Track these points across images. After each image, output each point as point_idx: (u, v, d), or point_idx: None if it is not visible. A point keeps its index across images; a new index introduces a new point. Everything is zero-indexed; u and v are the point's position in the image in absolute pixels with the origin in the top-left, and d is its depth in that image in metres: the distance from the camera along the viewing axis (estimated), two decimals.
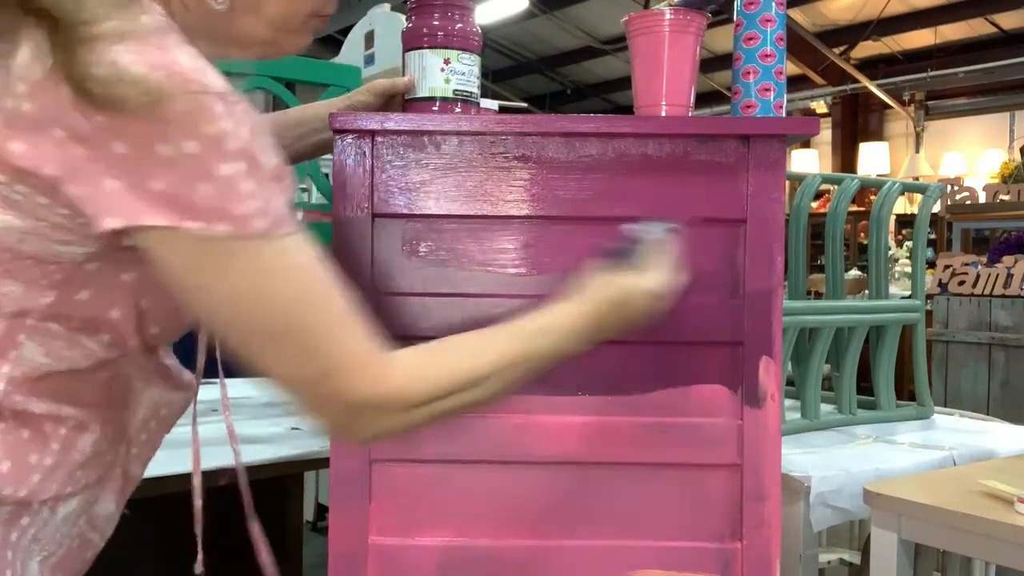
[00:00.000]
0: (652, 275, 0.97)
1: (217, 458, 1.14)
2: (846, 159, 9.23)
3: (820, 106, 9.30)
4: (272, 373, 0.78)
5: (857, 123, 9.49)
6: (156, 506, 1.12)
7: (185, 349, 0.99)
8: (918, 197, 2.02)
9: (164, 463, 1.03)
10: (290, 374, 0.77)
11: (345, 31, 3.75)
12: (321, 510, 3.65)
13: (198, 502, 1.02)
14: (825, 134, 9.37)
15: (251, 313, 0.75)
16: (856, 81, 8.66)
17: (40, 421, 0.79)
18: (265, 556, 1.04)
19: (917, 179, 7.97)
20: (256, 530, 1.04)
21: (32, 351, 0.77)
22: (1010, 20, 7.73)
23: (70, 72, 0.67)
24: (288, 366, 0.77)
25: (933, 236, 6.18)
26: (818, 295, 2.71)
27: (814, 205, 4.50)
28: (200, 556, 1.01)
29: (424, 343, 0.85)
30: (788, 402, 1.83)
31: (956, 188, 5.31)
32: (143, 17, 0.72)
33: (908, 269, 4.25)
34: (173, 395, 0.94)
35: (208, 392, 1.14)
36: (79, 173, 0.69)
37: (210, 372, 1.00)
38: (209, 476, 1.22)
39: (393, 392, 0.79)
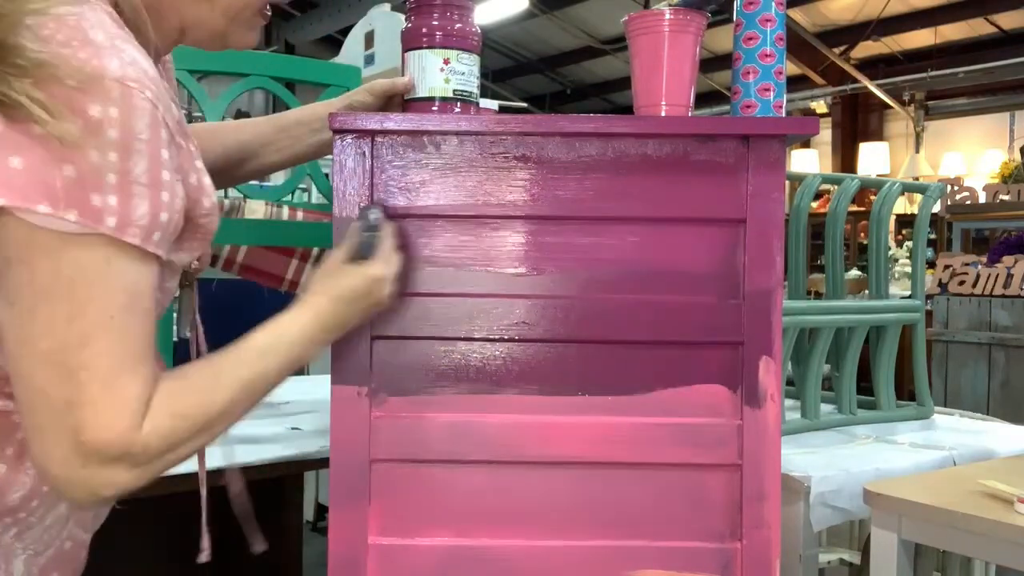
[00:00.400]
0: (376, 262, 0.97)
1: (217, 458, 1.14)
2: (846, 159, 9.24)
3: (820, 106, 9.31)
4: (23, 386, 0.72)
5: (857, 123, 9.50)
6: (155, 505, 1.12)
7: (186, 349, 0.99)
8: (918, 197, 2.02)
9: None
10: (43, 395, 0.71)
11: (345, 31, 3.75)
12: (321, 510, 3.66)
13: (203, 490, 1.01)
14: (825, 134, 9.38)
15: (56, 309, 0.70)
16: (856, 81, 8.66)
17: (7, 413, 0.77)
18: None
19: (917, 179, 7.97)
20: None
21: None
22: (1010, 20, 7.73)
23: None
24: (46, 385, 0.71)
25: (933, 236, 6.18)
26: (818, 295, 2.71)
27: (814, 205, 4.50)
28: (206, 544, 1.01)
29: (162, 383, 0.78)
30: (788, 402, 1.83)
31: (956, 188, 5.31)
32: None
33: (908, 269, 4.25)
34: None
35: None
36: None
37: None
38: (208, 476, 1.22)
39: (134, 447, 0.73)
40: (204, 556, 0.99)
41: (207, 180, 0.87)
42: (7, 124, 0.67)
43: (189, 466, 1.19)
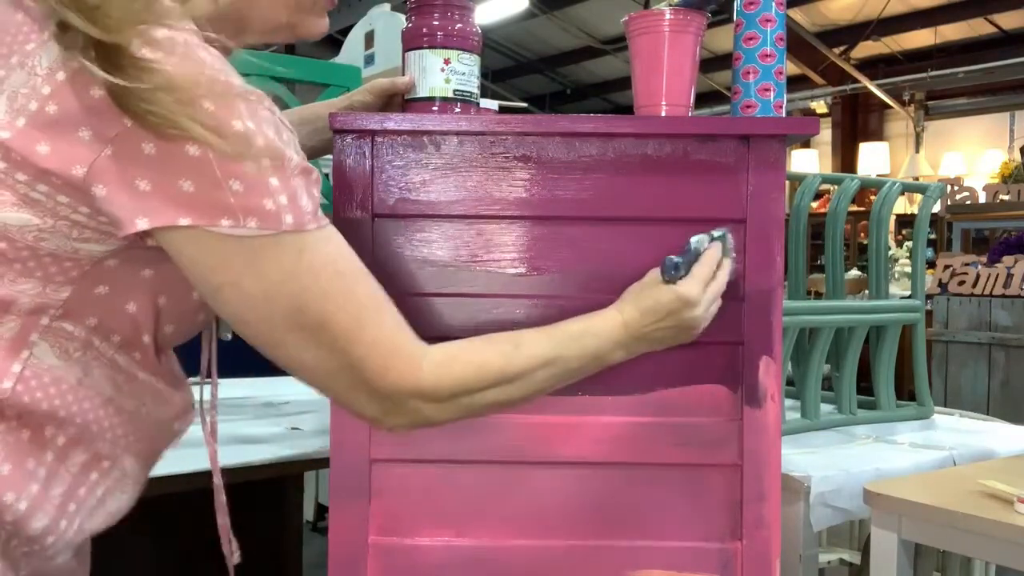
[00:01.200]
0: (700, 289, 0.98)
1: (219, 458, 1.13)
2: (846, 159, 9.24)
3: (820, 106, 9.31)
4: (302, 366, 0.79)
5: (857, 123, 9.50)
6: (154, 505, 1.12)
7: (187, 351, 0.98)
8: (918, 197, 2.02)
9: (164, 464, 1.02)
10: (321, 366, 0.78)
11: (345, 31, 3.75)
12: (321, 510, 3.65)
13: (222, 497, 1.02)
14: (825, 134, 9.38)
15: (282, 308, 0.76)
16: (856, 81, 8.66)
17: (41, 425, 0.78)
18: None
19: (917, 179, 7.97)
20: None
21: (45, 351, 0.77)
22: (1010, 20, 7.73)
23: (105, 80, 0.68)
24: (319, 358, 0.78)
25: (933, 236, 6.18)
26: (818, 295, 2.71)
27: (814, 205, 4.51)
28: (234, 547, 1.01)
29: (460, 340, 0.87)
30: (788, 402, 1.83)
31: (956, 188, 5.31)
32: (166, 21, 0.72)
33: (908, 269, 4.25)
34: (180, 409, 0.93)
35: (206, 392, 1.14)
36: (107, 174, 0.70)
37: (192, 371, 1.00)
38: (208, 476, 1.22)
39: (423, 384, 0.81)
40: (235, 559, 1.01)
41: None
42: (159, 143, 0.69)
43: (191, 466, 1.19)
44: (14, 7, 0.73)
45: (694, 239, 1.02)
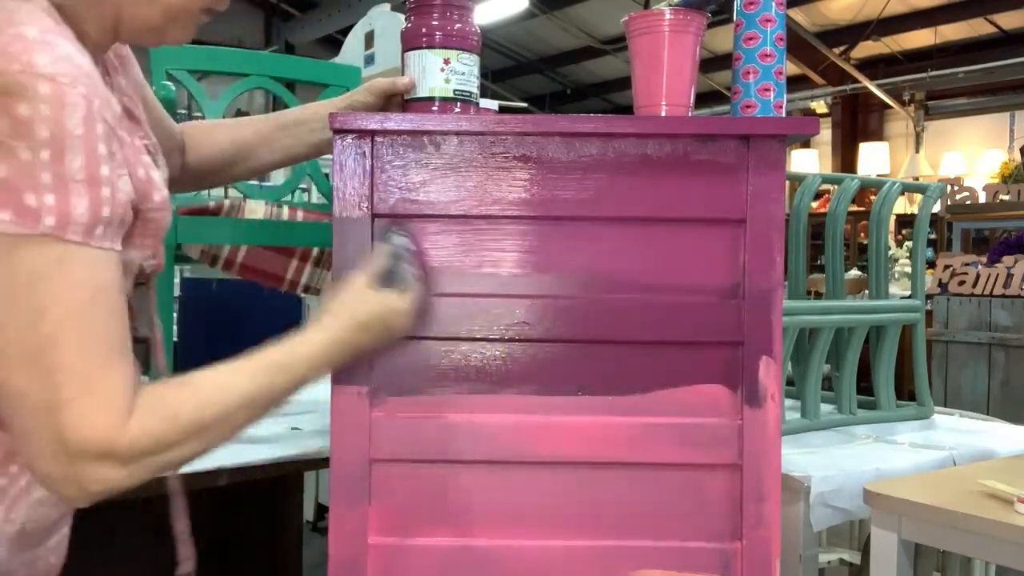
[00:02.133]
0: (401, 292, 0.97)
1: (217, 458, 1.14)
2: (846, 159, 9.24)
3: (820, 106, 9.31)
4: (8, 387, 0.71)
5: (857, 123, 9.50)
6: (153, 506, 1.12)
7: (187, 353, 0.98)
8: (918, 197, 2.02)
9: None
10: (27, 395, 0.71)
11: (345, 31, 3.75)
12: (321, 510, 3.66)
13: (181, 502, 1.00)
14: (825, 134, 9.37)
15: (17, 314, 0.69)
16: (856, 81, 8.66)
17: None
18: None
19: (917, 179, 7.97)
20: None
21: None
22: (1010, 20, 7.73)
23: None
24: (29, 385, 0.71)
25: (933, 236, 6.18)
26: (818, 295, 2.71)
27: (814, 205, 4.50)
28: (186, 556, 0.99)
29: (157, 386, 0.80)
30: (788, 402, 1.83)
31: (956, 188, 5.31)
32: None
33: (908, 269, 4.24)
34: None
35: None
36: None
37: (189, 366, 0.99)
38: (209, 476, 1.22)
39: (119, 446, 0.73)
40: (187, 568, 0.98)
41: (156, 174, 0.86)
42: None
43: (189, 466, 1.19)
44: None
45: (397, 240, 1.01)
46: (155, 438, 0.76)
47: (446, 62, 1.13)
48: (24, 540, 0.85)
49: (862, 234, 6.90)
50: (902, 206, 8.03)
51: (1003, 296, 3.90)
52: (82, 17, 0.80)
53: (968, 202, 5.21)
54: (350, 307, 0.95)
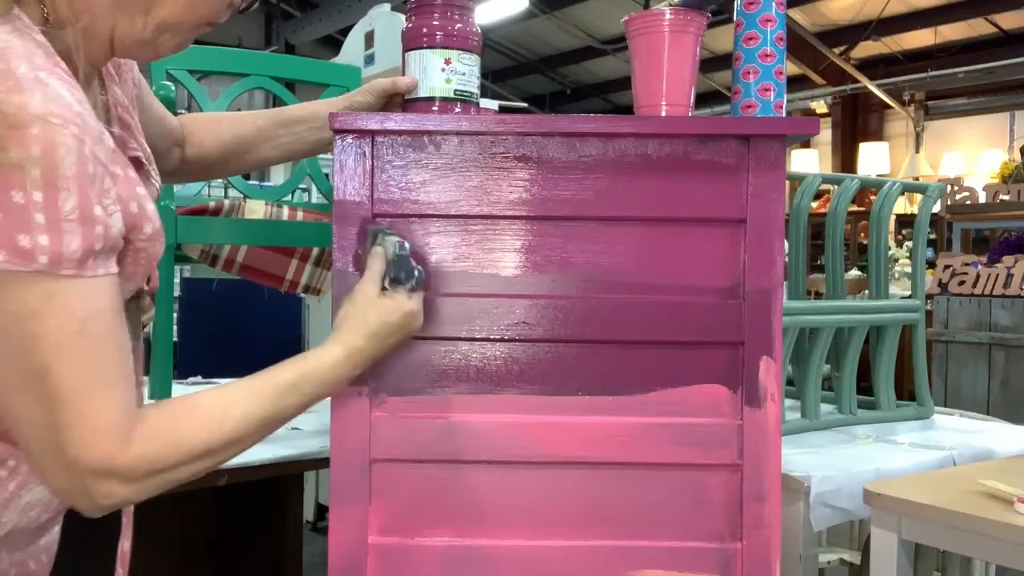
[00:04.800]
0: (409, 291, 0.97)
1: None
2: (846, 159, 9.23)
3: (820, 106, 9.30)
4: (13, 414, 0.75)
5: (857, 123, 9.49)
6: (153, 505, 1.12)
7: (187, 352, 0.98)
8: (918, 197, 2.02)
9: None
10: (24, 417, 0.74)
11: (345, 31, 3.75)
12: (321, 510, 3.66)
13: (125, 518, 1.01)
14: (825, 134, 9.37)
15: (12, 345, 0.71)
16: (856, 81, 8.66)
17: None
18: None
19: (917, 179, 7.96)
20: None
21: None
22: (1010, 20, 7.73)
23: None
24: (30, 411, 0.73)
25: (933, 236, 6.18)
26: (818, 295, 2.71)
27: (814, 205, 4.50)
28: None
29: (169, 404, 0.82)
30: (788, 402, 1.83)
31: (956, 188, 5.31)
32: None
33: (908, 269, 4.24)
34: None
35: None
36: None
37: (192, 372, 0.99)
38: (208, 476, 1.22)
39: (121, 466, 0.75)
40: None
41: (150, 206, 0.86)
42: None
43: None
44: None
45: (391, 241, 1.00)
46: (154, 463, 0.78)
47: (447, 62, 1.13)
48: (14, 541, 0.86)
49: (862, 234, 6.90)
50: (902, 206, 8.03)
51: (1003, 296, 3.90)
52: (75, 42, 0.80)
53: (968, 202, 5.20)
54: (366, 320, 0.95)
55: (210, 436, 0.81)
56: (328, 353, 0.92)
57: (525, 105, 6.50)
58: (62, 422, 0.73)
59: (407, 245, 1.01)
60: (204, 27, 0.89)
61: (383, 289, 0.98)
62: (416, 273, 1.00)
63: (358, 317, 0.95)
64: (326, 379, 0.92)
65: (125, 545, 1.00)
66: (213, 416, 0.83)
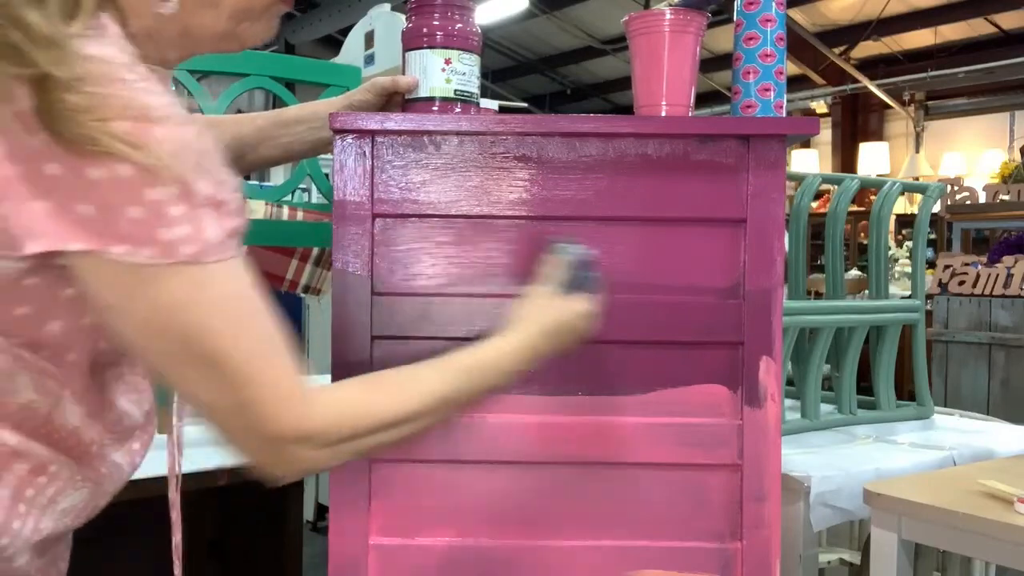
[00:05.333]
0: (587, 298, 0.98)
1: (217, 458, 1.14)
2: (846, 159, 9.23)
3: (820, 106, 9.30)
4: (197, 401, 0.77)
5: (857, 123, 9.49)
6: (153, 506, 1.12)
7: None
8: (918, 197, 2.02)
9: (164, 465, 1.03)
10: (215, 404, 0.76)
11: (345, 31, 3.75)
12: (321, 510, 3.66)
13: (175, 514, 1.02)
14: (825, 134, 9.37)
15: (176, 340, 0.73)
16: (856, 81, 8.66)
17: None
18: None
19: (917, 179, 7.96)
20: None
21: None
22: (1010, 20, 7.73)
23: (27, 96, 0.66)
24: (212, 395, 0.75)
25: (933, 236, 6.18)
26: (818, 295, 2.71)
27: (814, 205, 4.50)
28: (177, 566, 1.01)
29: (352, 379, 0.86)
30: (788, 402, 1.83)
31: (956, 188, 5.31)
32: (96, 37, 0.71)
33: (908, 269, 4.24)
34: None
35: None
36: (10, 192, 0.68)
37: None
38: (208, 476, 1.23)
39: (312, 428, 0.78)
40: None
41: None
42: (65, 164, 0.68)
43: (189, 466, 1.19)
44: None
45: (573, 249, 1.01)
46: (346, 428, 0.81)
47: (447, 62, 1.13)
48: (44, 547, 0.87)
49: (862, 234, 6.90)
50: (902, 206, 8.02)
51: (1003, 296, 3.90)
52: (149, 39, 0.80)
53: (968, 202, 5.21)
54: (543, 315, 0.97)
55: (396, 405, 0.84)
56: (506, 341, 0.94)
57: (525, 105, 6.50)
58: (247, 399, 0.75)
59: (588, 253, 1.01)
60: (279, 6, 0.89)
61: (565, 293, 0.99)
62: (591, 278, 1.00)
63: (535, 314, 0.97)
64: (502, 367, 0.93)
65: (177, 538, 1.02)
66: (397, 387, 0.86)
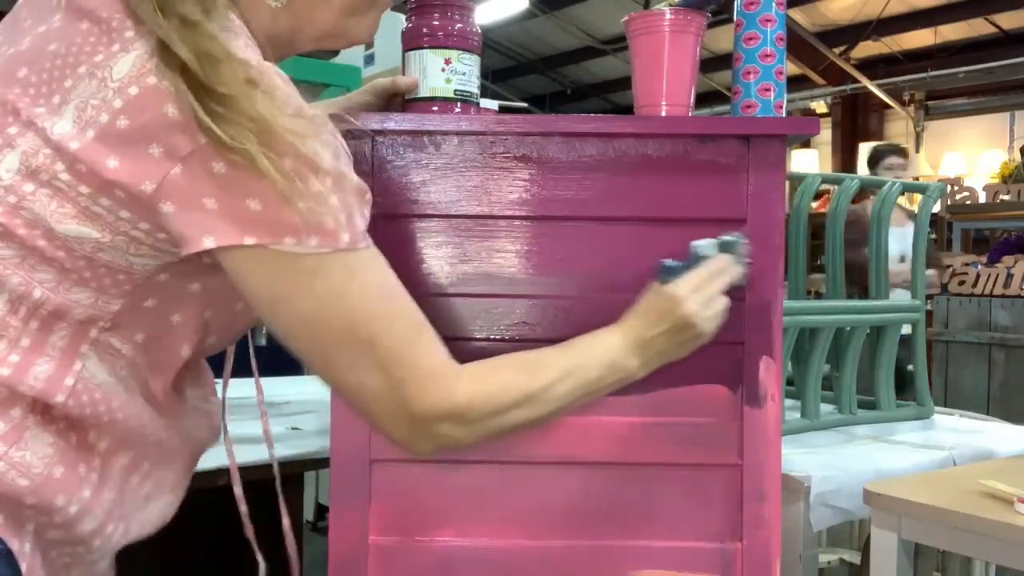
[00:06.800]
0: (688, 286, 0.95)
1: (217, 458, 1.14)
2: (846, 159, 9.23)
3: (820, 106, 9.30)
4: (347, 386, 0.80)
5: (857, 123, 9.49)
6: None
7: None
8: (918, 197, 2.02)
9: None
10: (361, 384, 0.79)
11: None
12: (321, 510, 3.65)
13: (243, 508, 1.08)
14: (825, 134, 9.37)
15: (333, 326, 0.77)
16: (856, 81, 8.65)
17: (86, 430, 0.80)
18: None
19: (917, 179, 7.96)
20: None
21: (95, 366, 0.78)
22: (1010, 20, 7.73)
23: (191, 105, 0.69)
24: (364, 379, 0.78)
25: (933, 236, 6.18)
26: (818, 295, 2.71)
27: (814, 205, 4.50)
28: (261, 564, 1.05)
29: (488, 359, 0.87)
30: (788, 402, 1.83)
31: (956, 188, 5.31)
32: (233, 36, 0.74)
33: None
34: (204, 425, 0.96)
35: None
36: (176, 192, 0.71)
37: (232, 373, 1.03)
38: (209, 476, 1.22)
39: (459, 405, 0.81)
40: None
41: None
42: (229, 163, 0.71)
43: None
44: (77, 16, 0.74)
45: (698, 244, 0.99)
46: (488, 402, 0.83)
47: (447, 62, 1.13)
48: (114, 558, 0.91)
49: None
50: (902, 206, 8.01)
51: (1003, 296, 3.90)
52: (265, 39, 0.83)
53: (968, 202, 5.21)
54: (641, 302, 0.96)
55: (529, 379, 0.86)
56: (610, 328, 0.95)
57: (525, 105, 6.50)
58: (399, 378, 0.78)
59: (710, 251, 0.99)
60: (383, 1, 0.92)
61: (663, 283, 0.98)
62: (678, 272, 0.97)
63: (643, 308, 0.96)
64: (611, 346, 0.92)
65: (243, 508, 1.10)
66: (526, 364, 0.88)
